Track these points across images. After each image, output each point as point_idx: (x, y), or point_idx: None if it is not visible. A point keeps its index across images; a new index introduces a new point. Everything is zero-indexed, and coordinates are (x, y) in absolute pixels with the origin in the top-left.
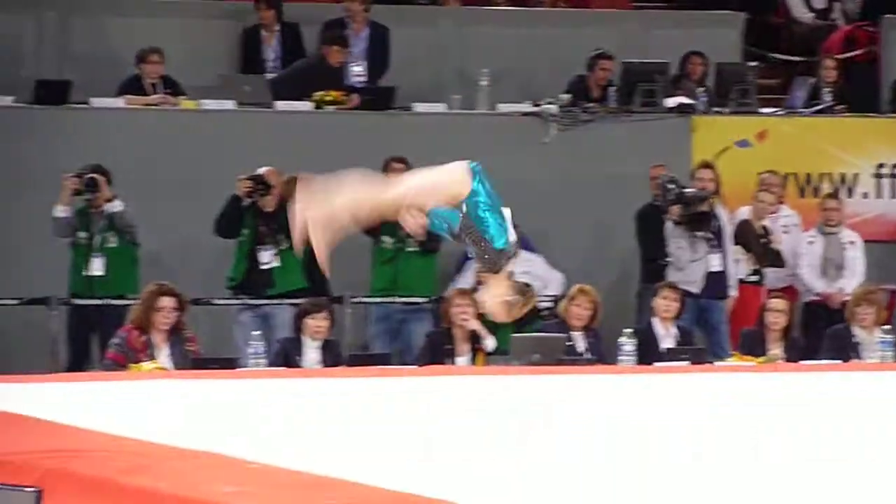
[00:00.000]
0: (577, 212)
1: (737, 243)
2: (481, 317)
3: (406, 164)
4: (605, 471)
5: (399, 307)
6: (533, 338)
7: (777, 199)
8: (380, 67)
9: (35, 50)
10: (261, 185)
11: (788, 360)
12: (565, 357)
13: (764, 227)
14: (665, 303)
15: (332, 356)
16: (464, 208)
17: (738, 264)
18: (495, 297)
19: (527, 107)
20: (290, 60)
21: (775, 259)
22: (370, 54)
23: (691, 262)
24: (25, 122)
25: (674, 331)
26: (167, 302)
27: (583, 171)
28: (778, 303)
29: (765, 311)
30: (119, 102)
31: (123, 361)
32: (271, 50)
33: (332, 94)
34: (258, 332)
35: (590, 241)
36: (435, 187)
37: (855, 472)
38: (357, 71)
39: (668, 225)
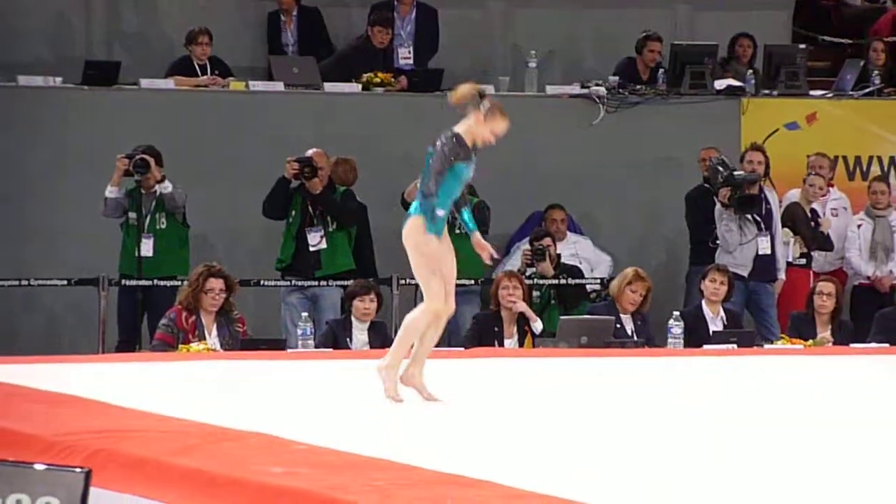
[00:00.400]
0: (626, 194)
1: (785, 226)
2: (529, 300)
3: None
4: (653, 452)
5: None
6: (581, 320)
7: (826, 182)
8: (428, 49)
9: (84, 30)
10: (308, 166)
11: (837, 343)
12: (613, 340)
13: (813, 210)
14: (713, 286)
15: (380, 338)
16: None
17: (787, 247)
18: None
19: (575, 89)
20: (308, 44)
21: (824, 242)
22: (418, 36)
23: (741, 245)
24: (75, 102)
25: (722, 314)
26: (216, 283)
27: (631, 154)
28: (826, 286)
29: (813, 295)
30: (168, 83)
31: (172, 342)
32: (290, 34)
33: (381, 76)
34: (306, 314)
35: (638, 224)
36: None
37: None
38: (404, 53)
39: (718, 207)
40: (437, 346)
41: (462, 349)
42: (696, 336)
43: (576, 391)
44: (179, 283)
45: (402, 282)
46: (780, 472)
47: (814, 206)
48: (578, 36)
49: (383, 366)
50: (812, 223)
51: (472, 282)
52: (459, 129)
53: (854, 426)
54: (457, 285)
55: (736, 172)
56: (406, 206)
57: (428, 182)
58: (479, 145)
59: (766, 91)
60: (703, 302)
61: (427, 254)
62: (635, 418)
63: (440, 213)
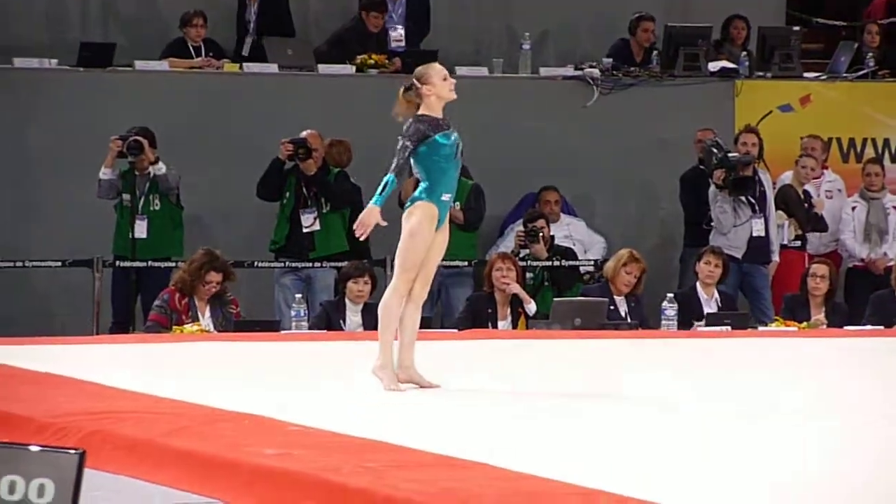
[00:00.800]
0: (620, 176)
1: (779, 208)
2: (523, 281)
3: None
4: (645, 434)
5: (440, 271)
6: (574, 302)
7: (819, 164)
8: (421, 31)
9: (80, 12)
10: (303, 148)
11: (831, 325)
12: (607, 321)
13: (806, 192)
14: (708, 268)
15: (374, 319)
16: None
17: (782, 229)
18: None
19: (569, 71)
20: (269, 23)
21: (817, 224)
22: (409, 18)
23: (735, 227)
24: (70, 84)
25: (716, 296)
26: (215, 277)
27: (625, 136)
28: (820, 268)
29: (807, 277)
30: (163, 65)
31: (166, 323)
32: (252, 11)
33: (375, 58)
34: (300, 295)
35: (632, 205)
36: None
37: None
38: (396, 35)
39: (712, 189)
40: (432, 327)
41: (455, 331)
42: (691, 318)
43: (569, 373)
44: (174, 264)
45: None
46: (765, 457)
47: (807, 187)
48: (572, 17)
49: (377, 366)
50: (805, 204)
51: (466, 263)
52: (420, 112)
53: (842, 409)
54: (450, 267)
55: (730, 154)
56: (402, 205)
57: (393, 162)
58: (445, 103)
59: (760, 73)
60: (698, 284)
61: (417, 241)
62: (628, 400)
63: (445, 197)
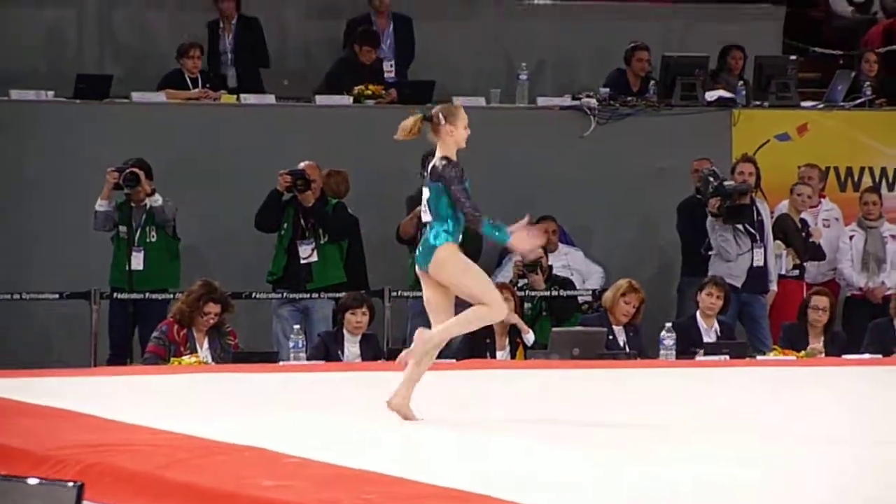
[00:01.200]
0: (618, 205)
1: (777, 238)
2: (521, 311)
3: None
4: (642, 463)
5: None
6: (573, 332)
7: (816, 192)
8: (407, 59)
9: (77, 44)
10: (301, 179)
11: (830, 354)
12: (606, 351)
13: (803, 221)
14: (710, 299)
15: (372, 350)
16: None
17: (780, 259)
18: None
19: (567, 101)
20: (245, 54)
21: (815, 253)
22: (398, 48)
23: (738, 256)
24: (67, 116)
25: (716, 325)
26: (213, 308)
27: (622, 165)
28: (822, 300)
29: (808, 308)
30: (160, 97)
31: (164, 355)
32: (227, 42)
33: (371, 89)
34: (298, 326)
35: (630, 235)
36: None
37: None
38: (387, 67)
39: (710, 218)
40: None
41: (454, 361)
42: (689, 347)
43: (568, 403)
44: (171, 296)
45: (394, 294)
46: (762, 483)
47: (804, 216)
48: (569, 48)
49: (395, 402)
50: (803, 233)
51: None
52: (441, 154)
53: (842, 436)
54: None
55: (726, 183)
56: (401, 240)
57: (463, 204)
58: (461, 148)
59: (757, 102)
60: (697, 313)
61: (472, 269)
62: (627, 430)
63: (459, 238)
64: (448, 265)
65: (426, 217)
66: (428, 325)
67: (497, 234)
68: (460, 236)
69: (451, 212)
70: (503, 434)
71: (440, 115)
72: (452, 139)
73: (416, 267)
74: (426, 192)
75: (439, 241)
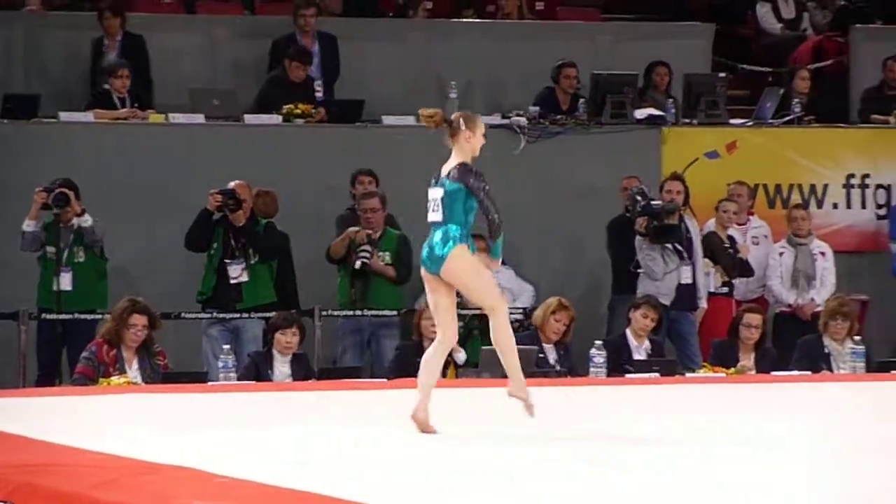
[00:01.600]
0: (548, 224)
1: (705, 255)
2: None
3: (374, 177)
4: (569, 484)
5: (369, 320)
6: None
7: (744, 209)
8: (332, 77)
9: (4, 64)
10: (232, 199)
11: (760, 370)
12: (536, 369)
13: (730, 237)
14: (645, 321)
15: (303, 370)
16: None
17: (709, 276)
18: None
19: (496, 119)
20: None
21: (743, 269)
22: (324, 66)
23: (665, 274)
24: None
25: (646, 343)
26: (139, 320)
27: (553, 183)
28: (754, 318)
29: (740, 325)
30: (88, 117)
31: (93, 375)
32: (111, 58)
33: (301, 107)
34: (227, 346)
35: (560, 253)
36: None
37: (828, 477)
38: (317, 86)
39: (638, 236)
40: (362, 377)
41: (385, 380)
42: (620, 365)
43: (498, 422)
44: (100, 316)
45: (325, 313)
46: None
47: (733, 233)
48: (499, 67)
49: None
50: (730, 250)
51: (394, 313)
52: (458, 159)
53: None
54: (379, 317)
55: (653, 202)
56: (331, 261)
57: (492, 212)
58: (476, 156)
59: (687, 120)
60: (628, 331)
61: (483, 272)
62: (556, 449)
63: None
64: (463, 271)
65: (435, 217)
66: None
67: (499, 248)
68: (469, 239)
69: (464, 217)
70: (433, 453)
71: (461, 120)
72: (469, 145)
73: (423, 269)
74: (438, 192)
75: (449, 246)
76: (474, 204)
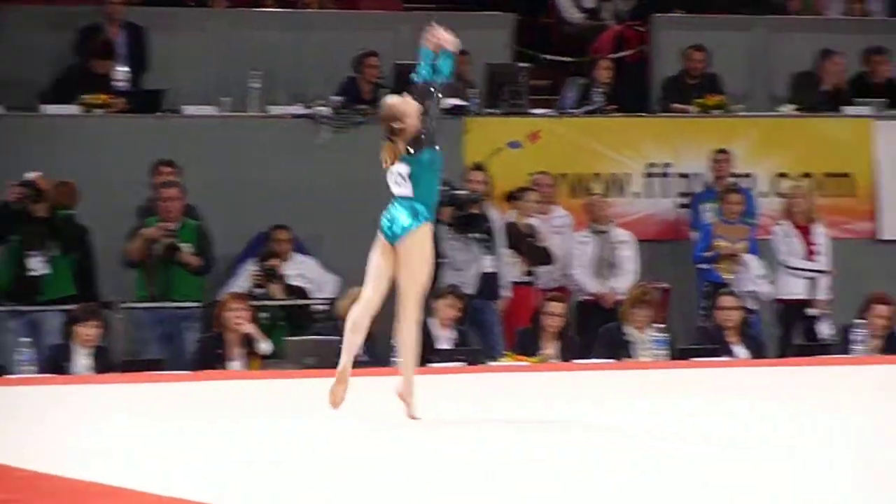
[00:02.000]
0: (352, 213)
1: (508, 245)
2: (256, 320)
3: (174, 167)
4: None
5: (171, 312)
6: (307, 341)
7: (547, 199)
8: (140, 67)
9: None
10: (32, 191)
11: (562, 359)
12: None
13: (531, 226)
14: (449, 310)
15: (104, 362)
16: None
17: (512, 266)
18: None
19: (299, 109)
20: None
21: (544, 257)
22: (131, 56)
23: (468, 264)
24: None
25: (451, 332)
26: None
27: (356, 173)
28: (556, 306)
29: (541, 313)
30: None
31: None
32: None
33: (101, 98)
34: (27, 339)
35: (365, 243)
36: None
37: (628, 466)
38: (120, 75)
39: (441, 226)
40: (163, 369)
41: (188, 372)
42: (424, 354)
43: (300, 412)
44: None
45: (125, 306)
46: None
47: (534, 222)
48: (301, 57)
49: (406, 393)
50: (530, 239)
51: (196, 304)
52: (413, 136)
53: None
54: (181, 308)
55: (457, 192)
56: (132, 265)
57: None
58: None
59: (490, 110)
60: (433, 320)
61: (430, 261)
62: (363, 439)
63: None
64: (417, 251)
65: (402, 191)
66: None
67: (441, 65)
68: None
69: (431, 184)
70: (232, 443)
71: (394, 125)
72: (414, 127)
73: (381, 236)
74: (404, 168)
75: (417, 221)
76: (436, 173)
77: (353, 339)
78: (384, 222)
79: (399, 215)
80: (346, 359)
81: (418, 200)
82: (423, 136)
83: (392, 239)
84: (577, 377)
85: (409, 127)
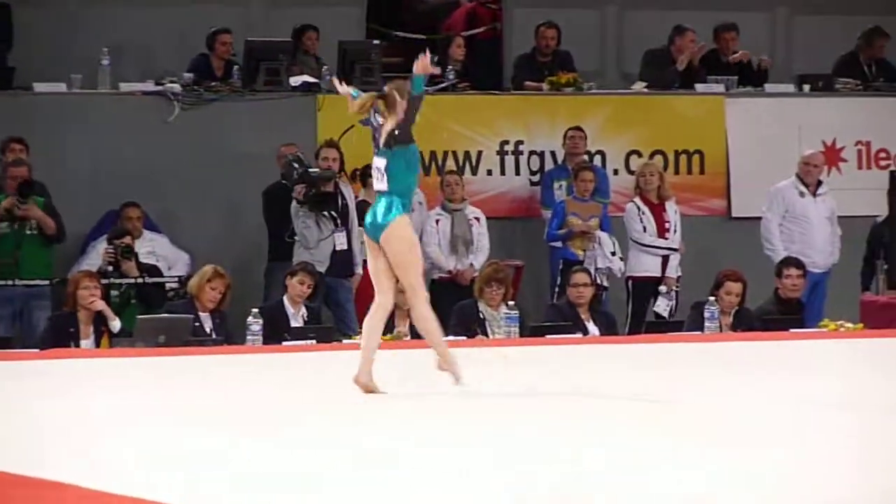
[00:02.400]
0: (204, 191)
1: (361, 223)
2: (108, 299)
3: (24, 145)
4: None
5: (21, 290)
6: (159, 319)
7: None
8: (3, 46)
9: None
10: None
11: (415, 336)
12: (192, 338)
13: None
14: (301, 287)
15: None
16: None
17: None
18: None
19: (149, 86)
20: None
21: None
22: None
23: (319, 241)
24: None
25: (303, 310)
26: None
27: (209, 151)
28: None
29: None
30: None
31: None
32: None
33: None
34: None
35: (217, 220)
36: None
37: (475, 439)
38: None
39: (294, 204)
40: (13, 347)
41: (37, 350)
42: (277, 332)
43: (150, 391)
44: None
45: None
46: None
47: None
48: (151, 33)
49: (446, 362)
50: None
51: (46, 282)
52: (393, 125)
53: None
54: (30, 286)
55: (311, 169)
56: None
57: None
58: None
59: None
60: (285, 298)
61: (416, 248)
62: (216, 416)
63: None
64: (398, 241)
65: (380, 186)
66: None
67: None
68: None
69: (407, 179)
70: (85, 422)
71: (395, 94)
72: (402, 110)
73: (365, 236)
74: (381, 161)
75: (392, 214)
76: (414, 169)
77: (366, 343)
78: (367, 221)
79: (378, 211)
80: (364, 362)
81: (394, 193)
82: (397, 133)
83: (375, 235)
84: (429, 354)
85: (396, 115)
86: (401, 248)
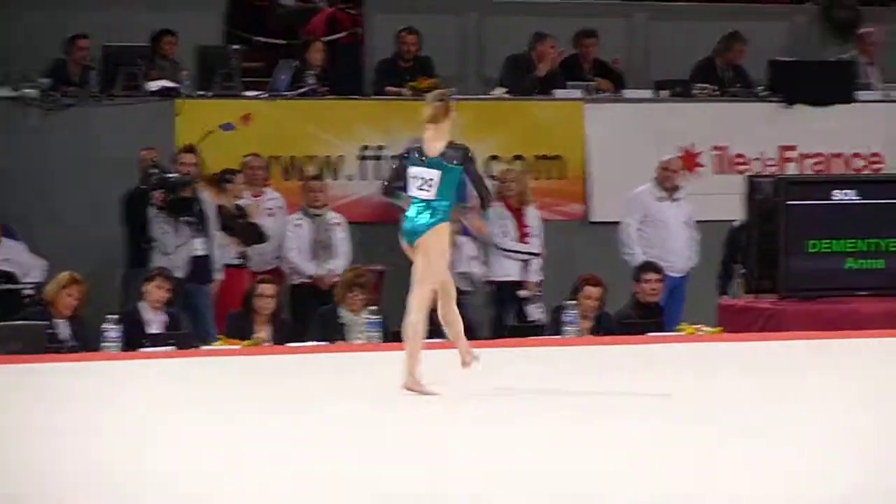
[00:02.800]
0: (62, 197)
1: (220, 228)
2: None
3: None
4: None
5: None
6: (13, 326)
7: (259, 181)
8: None
9: None
10: None
11: (277, 342)
12: (49, 345)
13: (238, 206)
14: (158, 292)
15: None
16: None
17: (225, 248)
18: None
19: (5, 91)
20: None
21: (257, 236)
22: None
23: (177, 247)
24: None
25: (163, 316)
26: None
27: (67, 156)
28: (267, 288)
29: (253, 297)
30: None
31: None
32: None
33: None
34: None
35: (74, 227)
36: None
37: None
38: None
39: (152, 209)
40: None
41: None
42: (135, 339)
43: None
44: None
45: None
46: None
47: (242, 202)
48: (8, 38)
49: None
50: (240, 219)
51: None
52: (446, 139)
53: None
54: None
55: (168, 175)
56: None
57: (484, 185)
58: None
59: (201, 92)
60: (143, 304)
61: (445, 262)
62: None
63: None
64: (436, 247)
65: (426, 195)
66: None
67: (489, 215)
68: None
69: (455, 195)
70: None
71: (449, 105)
72: (451, 124)
73: (404, 243)
74: (433, 174)
75: (436, 218)
76: (463, 181)
77: (415, 345)
78: (405, 225)
79: (419, 215)
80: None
81: (437, 202)
82: (460, 153)
83: (413, 237)
84: (289, 360)
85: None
86: (436, 252)
